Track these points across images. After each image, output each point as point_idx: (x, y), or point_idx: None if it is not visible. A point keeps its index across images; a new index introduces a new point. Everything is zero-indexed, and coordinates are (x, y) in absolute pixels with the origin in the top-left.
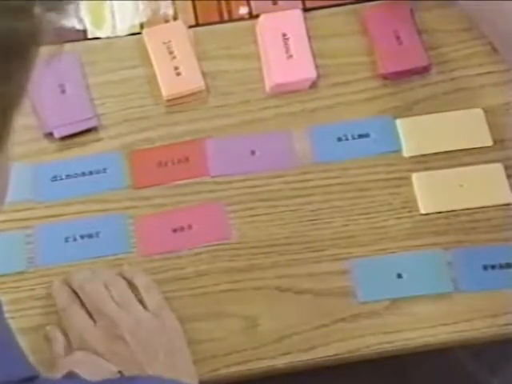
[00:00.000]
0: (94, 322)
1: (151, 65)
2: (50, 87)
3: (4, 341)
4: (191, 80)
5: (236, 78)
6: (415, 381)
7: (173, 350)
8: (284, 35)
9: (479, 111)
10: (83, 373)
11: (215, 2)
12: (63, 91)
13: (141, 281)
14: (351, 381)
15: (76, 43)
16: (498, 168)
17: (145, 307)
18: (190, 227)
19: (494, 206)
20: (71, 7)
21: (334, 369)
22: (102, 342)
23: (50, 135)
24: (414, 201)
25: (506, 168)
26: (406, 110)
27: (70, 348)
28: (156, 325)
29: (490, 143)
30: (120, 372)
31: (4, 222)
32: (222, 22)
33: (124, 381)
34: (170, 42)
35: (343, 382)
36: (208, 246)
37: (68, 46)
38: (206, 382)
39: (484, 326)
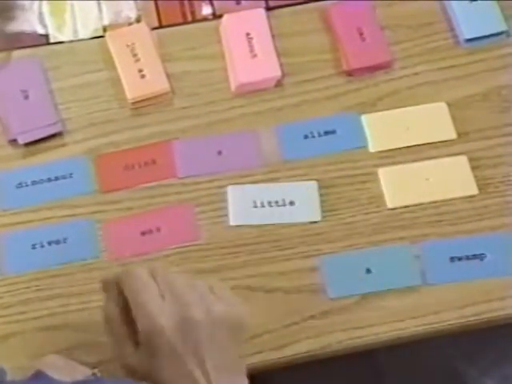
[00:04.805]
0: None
1: (115, 68)
2: (13, 93)
3: None
4: (156, 82)
5: (201, 78)
6: (390, 368)
7: (232, 342)
8: (248, 34)
9: (442, 105)
10: (56, 376)
11: (178, 3)
12: (26, 97)
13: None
14: (325, 378)
15: (38, 48)
16: (462, 160)
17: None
18: (158, 230)
19: (459, 198)
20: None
21: (306, 366)
22: (170, 318)
23: (13, 142)
24: (381, 196)
25: (471, 160)
26: (371, 106)
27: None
28: (225, 314)
29: (453, 136)
30: (94, 374)
31: None
32: (185, 23)
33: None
34: (133, 44)
35: (317, 379)
36: (177, 247)
37: (30, 51)
38: None
39: (452, 318)
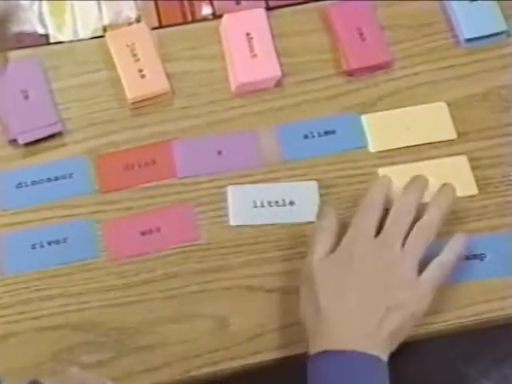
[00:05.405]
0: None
1: (115, 68)
2: (13, 93)
3: None
4: (156, 82)
5: (201, 78)
6: (390, 369)
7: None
8: (248, 34)
9: (443, 105)
10: None
11: (178, 3)
12: (26, 97)
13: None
14: None
15: (38, 48)
16: (462, 160)
17: None
18: (158, 229)
19: (459, 198)
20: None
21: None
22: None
23: (13, 142)
24: None
25: (471, 160)
26: (371, 106)
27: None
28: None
29: (454, 136)
30: None
31: None
32: (185, 23)
33: None
34: (133, 44)
35: None
36: (177, 247)
37: (30, 51)
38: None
39: (452, 318)
